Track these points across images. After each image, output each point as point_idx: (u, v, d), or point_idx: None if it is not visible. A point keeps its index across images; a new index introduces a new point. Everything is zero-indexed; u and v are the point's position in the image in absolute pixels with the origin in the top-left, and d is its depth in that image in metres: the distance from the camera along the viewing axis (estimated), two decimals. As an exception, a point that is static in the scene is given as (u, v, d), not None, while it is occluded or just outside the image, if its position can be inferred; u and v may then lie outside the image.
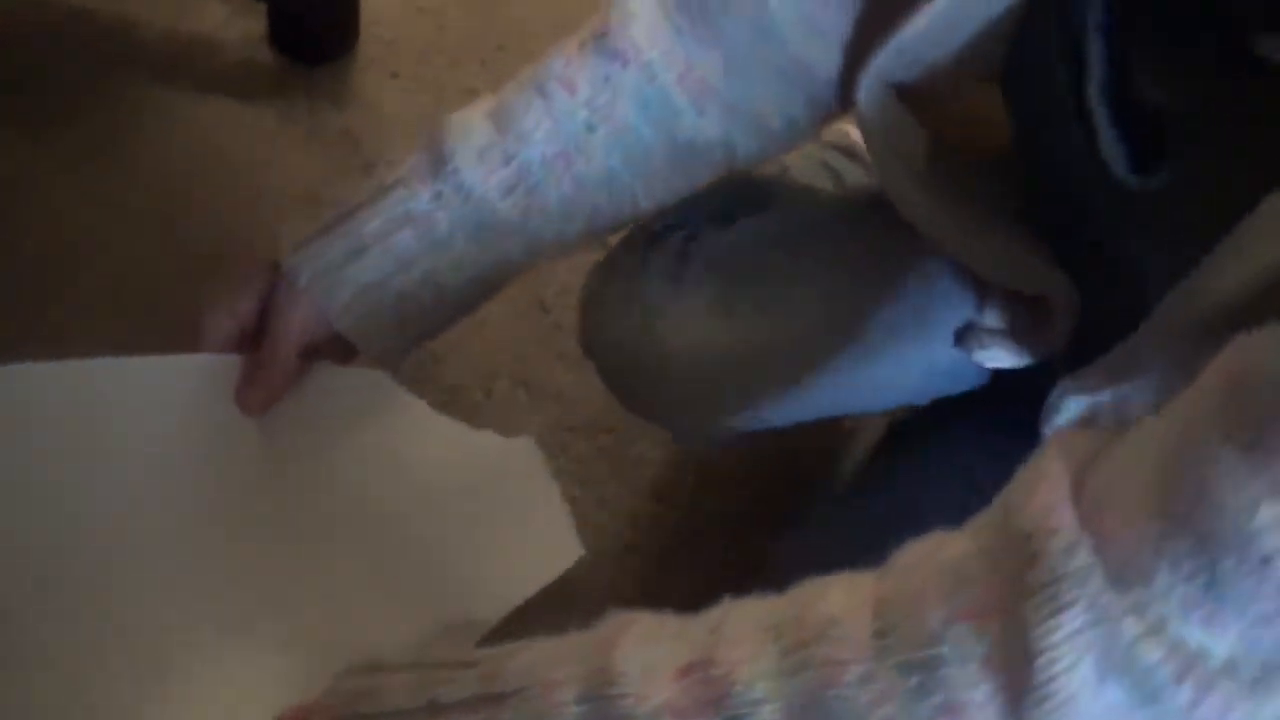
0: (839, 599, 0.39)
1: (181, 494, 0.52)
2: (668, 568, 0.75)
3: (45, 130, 0.80)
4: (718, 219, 0.64)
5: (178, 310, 0.74)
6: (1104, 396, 0.44)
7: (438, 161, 0.53)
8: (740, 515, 0.79)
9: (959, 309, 0.60)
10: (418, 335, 0.56)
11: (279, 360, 0.52)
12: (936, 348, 0.62)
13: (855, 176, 0.65)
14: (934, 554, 0.39)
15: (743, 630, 0.39)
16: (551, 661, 0.40)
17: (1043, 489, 0.37)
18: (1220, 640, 0.34)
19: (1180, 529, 0.34)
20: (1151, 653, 0.34)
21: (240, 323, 0.53)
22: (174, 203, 0.80)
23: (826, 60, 0.54)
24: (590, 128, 0.53)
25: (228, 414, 0.52)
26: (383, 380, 0.55)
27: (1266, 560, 0.33)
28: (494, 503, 0.56)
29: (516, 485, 0.57)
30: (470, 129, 0.53)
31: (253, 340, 0.53)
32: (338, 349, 0.54)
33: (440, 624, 0.52)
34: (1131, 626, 0.34)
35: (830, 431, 0.82)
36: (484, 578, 0.54)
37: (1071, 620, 0.35)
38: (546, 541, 0.56)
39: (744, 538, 0.77)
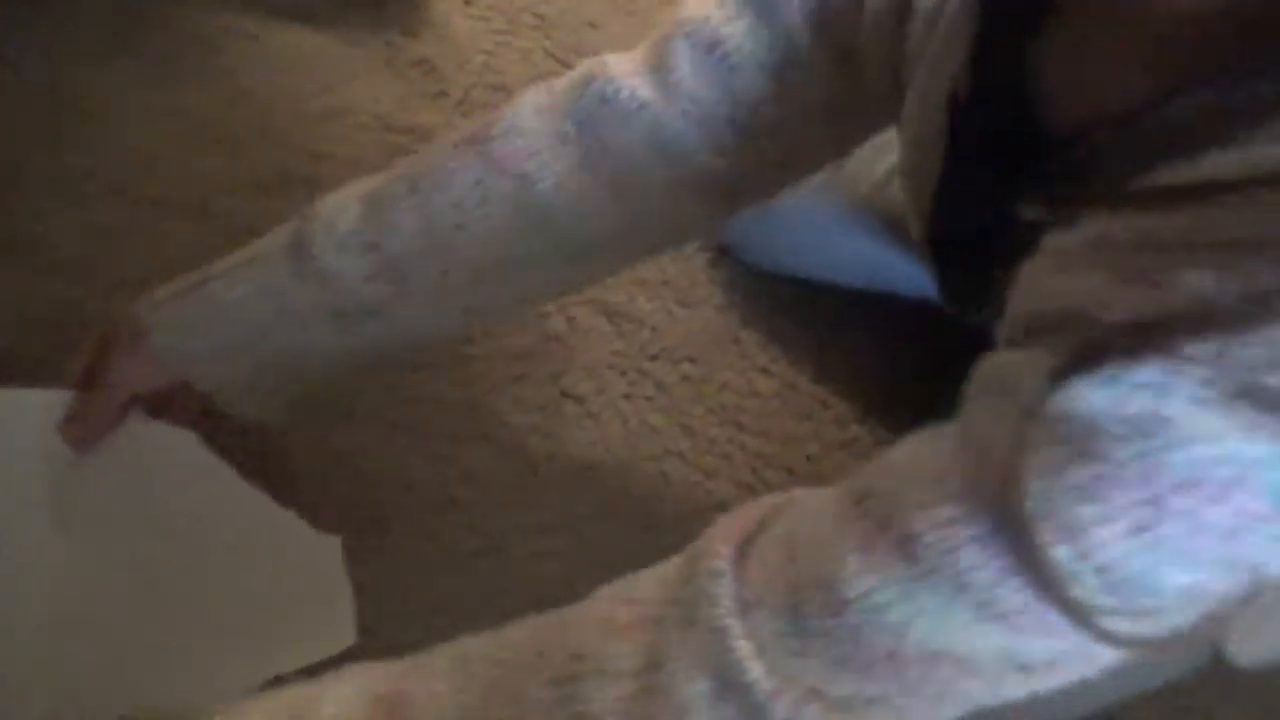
0: (532, 625, 0.43)
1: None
2: (751, 494, 0.74)
3: (114, 53, 0.80)
4: None
5: (247, 221, 0.74)
6: None
7: (298, 244, 0.54)
8: (820, 442, 0.77)
9: None
10: (305, 397, 0.60)
11: (102, 405, 0.56)
12: None
13: None
14: (632, 578, 0.43)
15: (437, 660, 0.44)
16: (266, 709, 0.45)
17: (725, 527, 0.42)
18: (807, 671, 0.38)
19: (789, 568, 0.39)
20: (754, 669, 0.38)
21: (85, 364, 0.57)
22: (246, 124, 0.79)
23: (730, 168, 0.54)
24: (459, 226, 0.53)
25: (54, 446, 0.56)
26: (189, 441, 0.58)
27: (844, 605, 0.37)
28: (283, 586, 0.58)
29: (310, 577, 0.59)
30: (340, 213, 0.54)
31: (87, 379, 0.56)
32: (185, 403, 0.58)
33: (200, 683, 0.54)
34: (743, 647, 0.38)
35: (921, 369, 0.79)
36: (248, 654, 0.55)
37: (696, 635, 0.39)
38: (322, 636, 0.57)
39: (825, 464, 0.76)
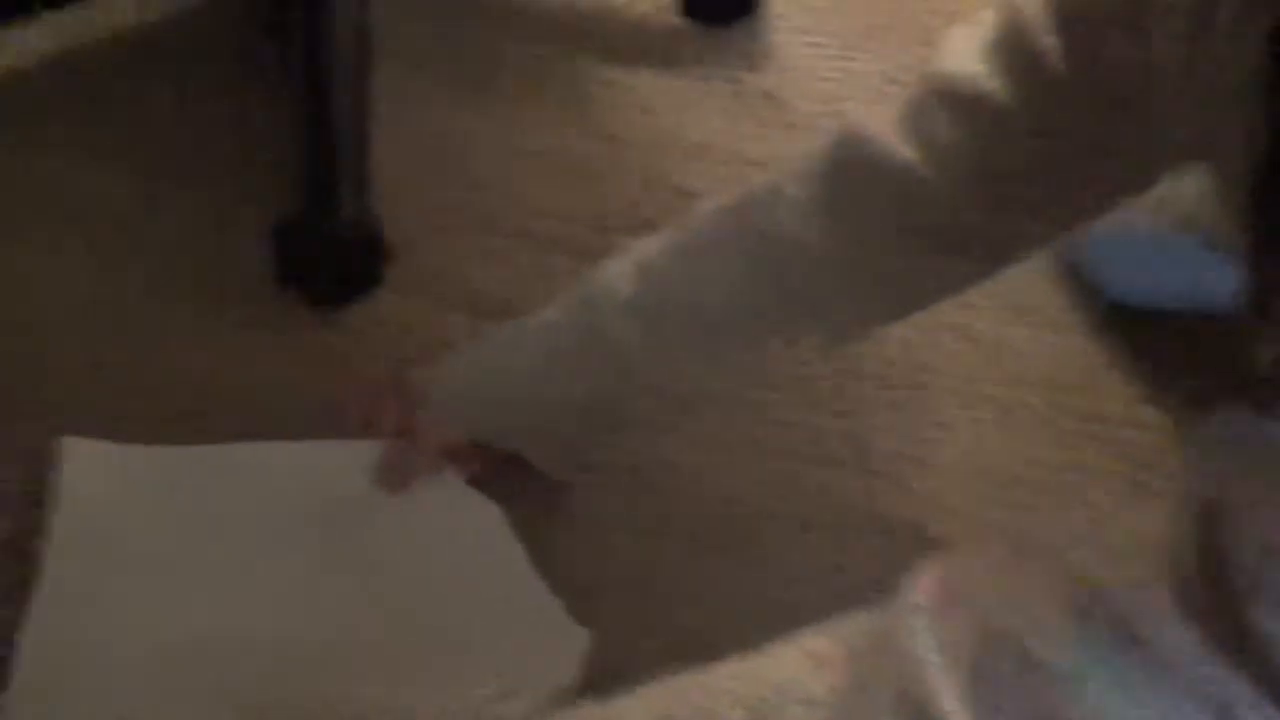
0: (741, 658, 0.43)
1: (313, 554, 0.63)
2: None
3: (488, 98, 0.86)
4: None
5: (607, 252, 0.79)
6: None
7: (583, 310, 0.59)
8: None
9: None
10: (586, 448, 0.65)
11: (410, 456, 0.62)
12: None
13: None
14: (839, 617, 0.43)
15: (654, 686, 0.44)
16: None
17: (935, 569, 0.41)
18: None
19: (991, 617, 0.37)
20: (952, 708, 0.35)
21: (380, 415, 0.63)
22: (610, 163, 0.83)
23: (997, 226, 0.53)
24: (723, 293, 0.56)
25: (359, 494, 0.63)
26: (493, 514, 0.63)
27: (1036, 666, 0.34)
28: (528, 673, 0.60)
29: (557, 670, 0.61)
30: (618, 280, 0.58)
31: (399, 432, 0.62)
32: (488, 455, 0.63)
33: None
34: (940, 683, 0.36)
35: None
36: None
37: (893, 666, 0.38)
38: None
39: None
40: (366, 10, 0.76)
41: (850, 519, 0.69)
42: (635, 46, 0.91)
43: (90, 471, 0.64)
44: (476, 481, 0.65)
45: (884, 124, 0.53)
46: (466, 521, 0.64)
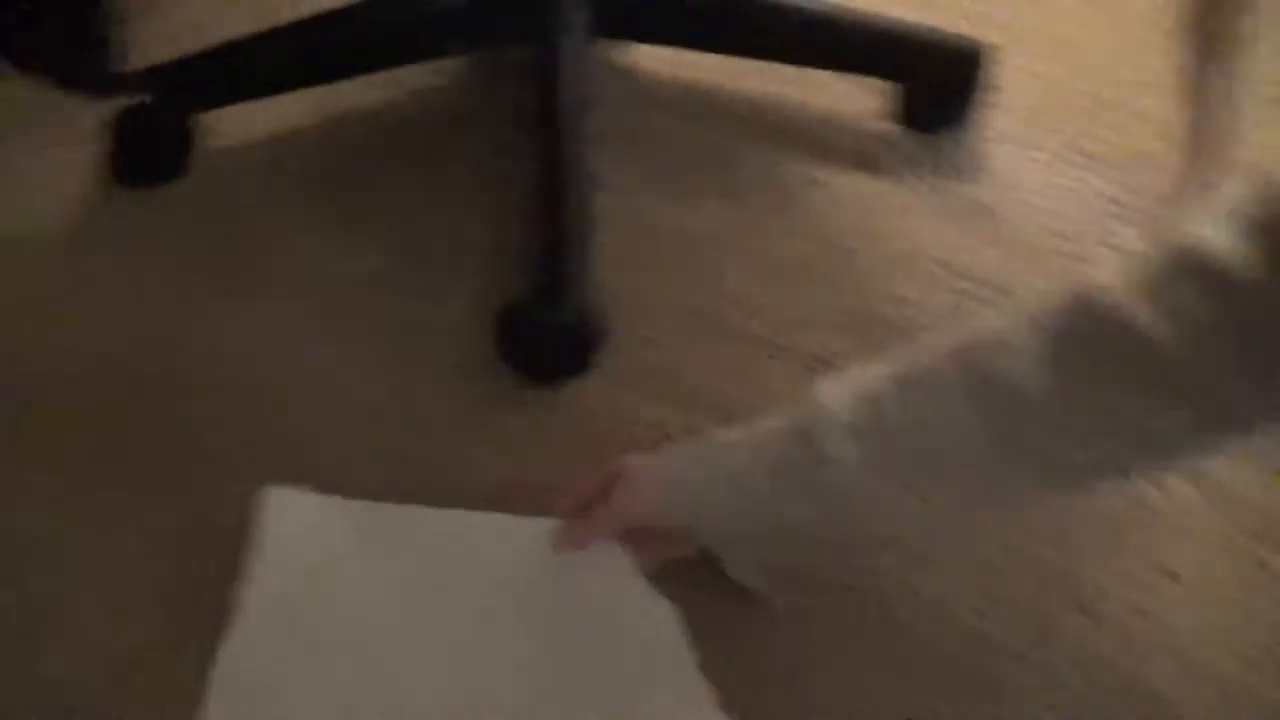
0: None
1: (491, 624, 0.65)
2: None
3: (694, 193, 0.87)
4: None
5: (832, 359, 0.78)
6: None
7: (803, 429, 0.60)
8: None
9: None
10: (786, 566, 0.65)
11: (595, 530, 0.65)
12: None
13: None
14: None
15: None
16: None
17: None
18: None
19: None
20: None
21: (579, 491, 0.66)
22: (828, 267, 0.83)
23: (1244, 399, 0.50)
24: (944, 432, 0.56)
25: (543, 574, 0.66)
26: (668, 615, 0.64)
27: None
28: None
29: None
30: (840, 405, 0.59)
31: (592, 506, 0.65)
32: (677, 544, 0.65)
33: None
34: None
35: None
36: None
37: None
38: None
39: None
40: (593, 112, 0.78)
41: (1090, 671, 0.65)
42: (845, 150, 0.91)
43: (291, 519, 0.66)
44: (664, 569, 0.65)
45: (1124, 288, 0.51)
46: (644, 620, 0.64)
